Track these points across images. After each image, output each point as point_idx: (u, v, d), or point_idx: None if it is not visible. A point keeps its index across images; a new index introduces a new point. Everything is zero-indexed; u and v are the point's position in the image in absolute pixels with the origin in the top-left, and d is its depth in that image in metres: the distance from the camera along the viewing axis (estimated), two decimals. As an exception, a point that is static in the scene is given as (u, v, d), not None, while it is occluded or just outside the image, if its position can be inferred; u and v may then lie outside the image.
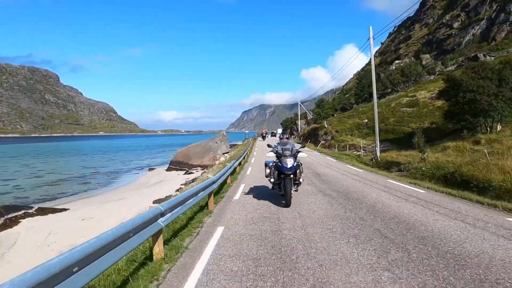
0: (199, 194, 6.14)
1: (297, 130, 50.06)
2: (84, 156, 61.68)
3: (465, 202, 6.90)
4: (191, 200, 5.58)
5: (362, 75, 65.75)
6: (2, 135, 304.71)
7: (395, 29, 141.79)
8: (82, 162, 49.05)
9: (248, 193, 8.58)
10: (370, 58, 17.40)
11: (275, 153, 7.32)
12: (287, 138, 7.62)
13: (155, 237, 3.91)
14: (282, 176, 6.81)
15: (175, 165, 34.87)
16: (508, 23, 78.54)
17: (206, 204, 7.18)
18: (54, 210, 16.73)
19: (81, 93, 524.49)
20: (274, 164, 7.30)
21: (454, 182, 9.36)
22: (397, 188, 8.97)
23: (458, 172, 9.44)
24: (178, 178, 27.36)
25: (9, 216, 14.75)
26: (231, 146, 47.26)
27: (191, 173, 29.63)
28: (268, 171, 7.66)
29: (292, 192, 6.87)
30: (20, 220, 14.82)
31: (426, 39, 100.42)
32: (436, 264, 3.47)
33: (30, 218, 15.27)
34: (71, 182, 28.94)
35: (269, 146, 7.68)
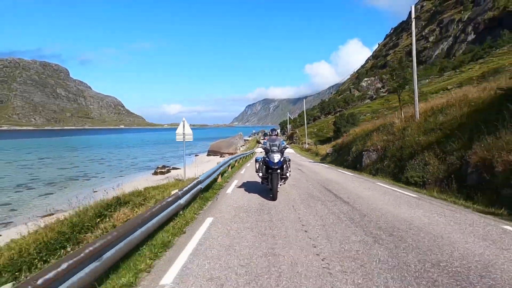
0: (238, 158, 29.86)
1: (287, 131, 74.82)
2: (136, 147, 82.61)
3: (317, 163, 29.21)
4: (237, 157, 29.33)
5: (324, 100, 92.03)
6: (18, 128, 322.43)
7: (391, 31, 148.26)
8: (142, 151, 70.30)
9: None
10: (304, 116, 40.63)
11: (264, 149, 7.75)
12: (276, 135, 8.12)
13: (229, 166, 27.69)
14: (269, 171, 7.22)
15: (211, 153, 58.65)
16: (465, 42, 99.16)
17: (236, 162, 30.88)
18: (177, 168, 40.50)
19: (90, 87, 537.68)
20: (262, 159, 7.72)
21: (319, 155, 33.30)
22: (304, 159, 32.38)
23: (317, 152, 33.61)
24: (218, 159, 51.15)
25: (166, 169, 38.55)
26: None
27: (224, 157, 53.48)
28: (257, 166, 7.94)
29: (279, 186, 7.31)
30: (170, 171, 38.54)
31: (409, 49, 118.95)
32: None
33: (173, 170, 39.02)
34: (158, 161, 52.13)
35: (258, 142, 12.03)
